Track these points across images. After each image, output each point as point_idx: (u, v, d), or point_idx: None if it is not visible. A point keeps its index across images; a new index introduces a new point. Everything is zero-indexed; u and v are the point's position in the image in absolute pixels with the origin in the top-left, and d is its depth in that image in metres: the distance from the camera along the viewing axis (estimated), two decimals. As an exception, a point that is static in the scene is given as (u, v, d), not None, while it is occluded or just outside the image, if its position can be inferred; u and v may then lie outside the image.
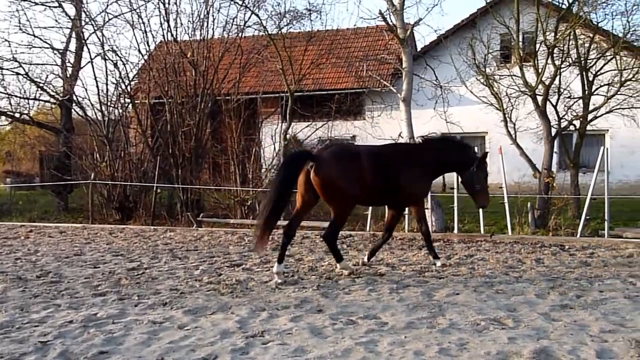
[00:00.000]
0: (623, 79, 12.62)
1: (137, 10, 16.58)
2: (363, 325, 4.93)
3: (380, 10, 12.47)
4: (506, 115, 13.08)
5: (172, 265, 7.94)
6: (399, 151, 7.71)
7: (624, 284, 6.38)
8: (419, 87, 14.22)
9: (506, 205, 11.27)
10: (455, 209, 11.36)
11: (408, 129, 12.30)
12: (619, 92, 12.84)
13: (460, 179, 7.66)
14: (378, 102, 18.14)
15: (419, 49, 20.00)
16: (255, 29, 16.55)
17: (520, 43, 13.34)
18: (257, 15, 15.45)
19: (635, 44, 13.42)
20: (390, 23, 12.57)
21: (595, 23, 13.30)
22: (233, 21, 16.81)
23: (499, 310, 5.34)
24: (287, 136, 14.60)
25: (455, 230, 11.25)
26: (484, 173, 7.45)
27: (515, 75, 13.29)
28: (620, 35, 13.03)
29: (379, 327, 4.88)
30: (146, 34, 16.47)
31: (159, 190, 15.18)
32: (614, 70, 12.95)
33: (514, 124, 13.18)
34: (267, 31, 15.05)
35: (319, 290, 6.22)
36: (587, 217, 10.76)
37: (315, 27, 16.95)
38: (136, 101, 16.64)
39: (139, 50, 17.18)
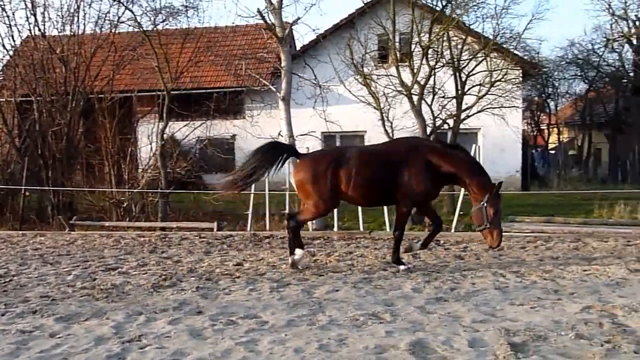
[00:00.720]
0: (493, 80, 13.40)
1: (1, 3, 15.33)
2: (243, 325, 4.84)
3: (258, 9, 12.30)
4: (384, 115, 13.36)
5: (43, 271, 7.40)
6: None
7: (494, 276, 6.65)
8: (298, 86, 14.17)
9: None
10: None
11: (287, 128, 12.22)
12: (489, 92, 13.60)
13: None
14: (258, 101, 17.96)
15: (298, 48, 20.06)
16: (130, 25, 15.97)
17: (397, 44, 13.71)
18: (131, 11, 15.05)
19: (504, 45, 14.29)
20: (269, 22, 12.43)
21: (468, 25, 14.02)
22: (105, 16, 16.28)
23: (377, 305, 5.38)
24: (165, 136, 14.03)
25: (335, 228, 11.29)
26: None
27: (392, 75, 13.63)
28: (491, 37, 13.84)
29: (259, 326, 4.80)
30: (11, 28, 15.63)
31: (27, 193, 14.28)
32: (485, 71, 13.70)
33: (391, 123, 13.50)
34: (142, 27, 14.42)
35: (198, 292, 6.04)
36: (461, 213, 11.24)
37: (193, 24, 16.56)
38: (1, 99, 15.56)
39: (3, 45, 16.10)
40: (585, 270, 6.89)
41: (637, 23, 25.15)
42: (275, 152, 7.38)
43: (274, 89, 13.24)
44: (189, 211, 14.38)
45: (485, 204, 7.02)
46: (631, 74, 26.13)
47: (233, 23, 20.90)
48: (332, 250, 8.74)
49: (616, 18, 25.69)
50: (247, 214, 11.80)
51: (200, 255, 8.44)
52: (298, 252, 7.23)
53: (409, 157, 7.12)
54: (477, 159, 10.51)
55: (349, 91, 14.22)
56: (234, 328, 4.74)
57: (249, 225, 11.65)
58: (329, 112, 14.06)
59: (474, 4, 13.63)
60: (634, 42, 25.52)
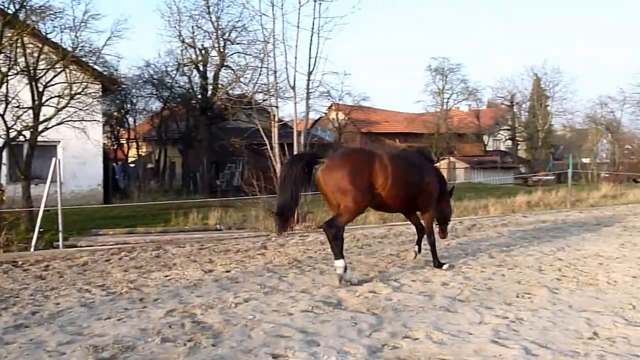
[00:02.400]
0: (73, 92, 12.84)
1: None
2: None
3: None
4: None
5: None
6: None
7: (80, 293, 6.34)
8: None
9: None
10: None
11: None
12: (69, 105, 12.98)
13: None
14: None
15: None
16: None
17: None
18: None
19: (84, 59, 13.85)
20: None
21: (45, 34, 13.07)
22: None
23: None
24: None
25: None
26: None
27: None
28: (70, 49, 13.22)
29: None
30: None
31: None
32: (65, 82, 13.02)
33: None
34: None
35: None
36: (41, 230, 10.38)
37: None
38: None
39: None
40: (167, 276, 7.21)
41: (203, 52, 27.94)
42: (296, 165, 6.63)
43: None
44: None
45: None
46: (199, 96, 28.78)
47: None
48: None
49: (186, 45, 28.00)
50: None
51: None
52: (340, 263, 6.43)
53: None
54: (58, 172, 10.02)
55: None
56: None
57: None
58: None
59: (52, 12, 12.84)
60: (201, 68, 28.25)
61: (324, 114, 43.92)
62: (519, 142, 51.57)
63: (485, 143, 51.91)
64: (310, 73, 13.21)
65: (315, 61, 13.17)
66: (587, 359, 4.10)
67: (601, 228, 11.60)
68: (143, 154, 35.54)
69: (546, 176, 39.75)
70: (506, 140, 52.97)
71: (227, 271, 7.50)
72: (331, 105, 44.59)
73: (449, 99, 48.27)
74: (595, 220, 13.15)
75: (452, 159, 43.36)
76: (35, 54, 12.82)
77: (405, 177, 6.92)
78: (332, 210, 6.82)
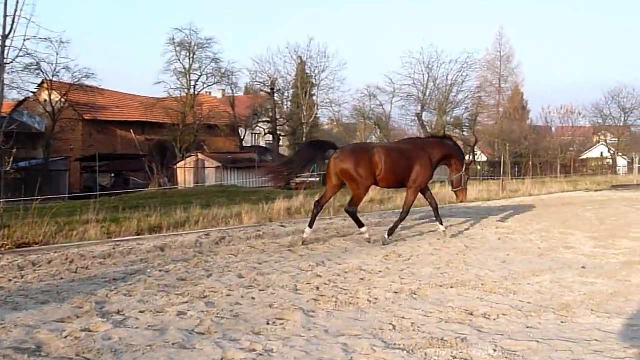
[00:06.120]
0: None
1: None
2: None
3: None
4: None
5: None
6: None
7: None
8: None
9: None
10: None
11: None
12: None
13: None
14: None
15: None
16: None
17: None
18: None
19: None
20: None
21: None
22: None
23: None
24: None
25: None
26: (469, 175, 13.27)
27: None
28: None
29: None
30: None
31: None
32: None
33: None
34: None
35: None
36: None
37: None
38: None
39: None
40: None
41: None
42: (314, 148, 12.25)
43: None
44: None
45: (462, 173, 12.78)
46: None
47: None
48: None
49: None
50: None
51: None
52: (364, 229, 11.95)
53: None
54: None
55: None
56: None
57: None
58: None
59: None
60: None
61: (32, 94, 41.04)
62: (281, 137, 54.25)
63: (242, 137, 53.66)
64: (5, 37, 12.19)
65: (14, 22, 12.22)
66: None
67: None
68: None
69: (311, 177, 42.57)
70: (266, 134, 55.36)
71: None
72: (42, 83, 41.82)
73: (197, 81, 48.57)
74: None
75: (200, 156, 43.85)
76: None
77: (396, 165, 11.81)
78: (329, 188, 12.01)
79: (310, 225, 11.83)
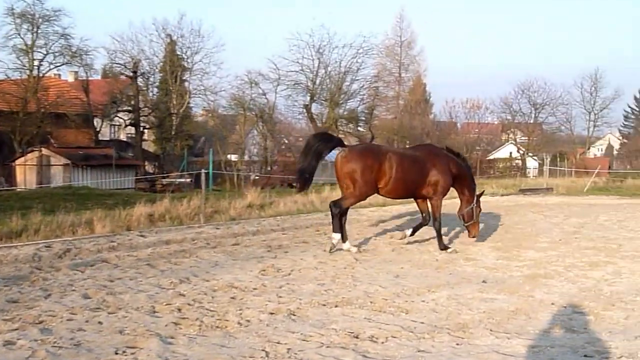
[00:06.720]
0: None
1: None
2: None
3: None
4: None
5: None
6: None
7: None
8: None
9: None
10: None
11: None
12: None
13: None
14: None
15: None
16: None
17: None
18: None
19: None
20: None
21: None
22: None
23: None
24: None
25: None
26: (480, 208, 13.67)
27: None
28: None
29: None
30: None
31: None
32: None
33: None
34: None
35: None
36: None
37: None
38: None
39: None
40: None
41: None
42: (324, 142, 12.53)
43: None
44: None
45: (474, 205, 13.18)
46: None
47: None
48: None
49: None
50: None
51: None
52: (336, 237, 12.21)
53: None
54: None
55: None
56: None
57: None
58: None
59: None
60: None
61: None
62: (145, 130, 53.07)
63: (98, 129, 52.07)
64: None
65: None
66: None
67: (240, 249, 12.73)
68: None
69: (181, 178, 42.09)
70: (127, 126, 53.90)
71: None
72: None
73: (42, 61, 46.64)
74: (235, 238, 14.35)
75: (45, 151, 42.25)
76: None
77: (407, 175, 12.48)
78: (341, 189, 12.51)
79: (334, 230, 12.35)
